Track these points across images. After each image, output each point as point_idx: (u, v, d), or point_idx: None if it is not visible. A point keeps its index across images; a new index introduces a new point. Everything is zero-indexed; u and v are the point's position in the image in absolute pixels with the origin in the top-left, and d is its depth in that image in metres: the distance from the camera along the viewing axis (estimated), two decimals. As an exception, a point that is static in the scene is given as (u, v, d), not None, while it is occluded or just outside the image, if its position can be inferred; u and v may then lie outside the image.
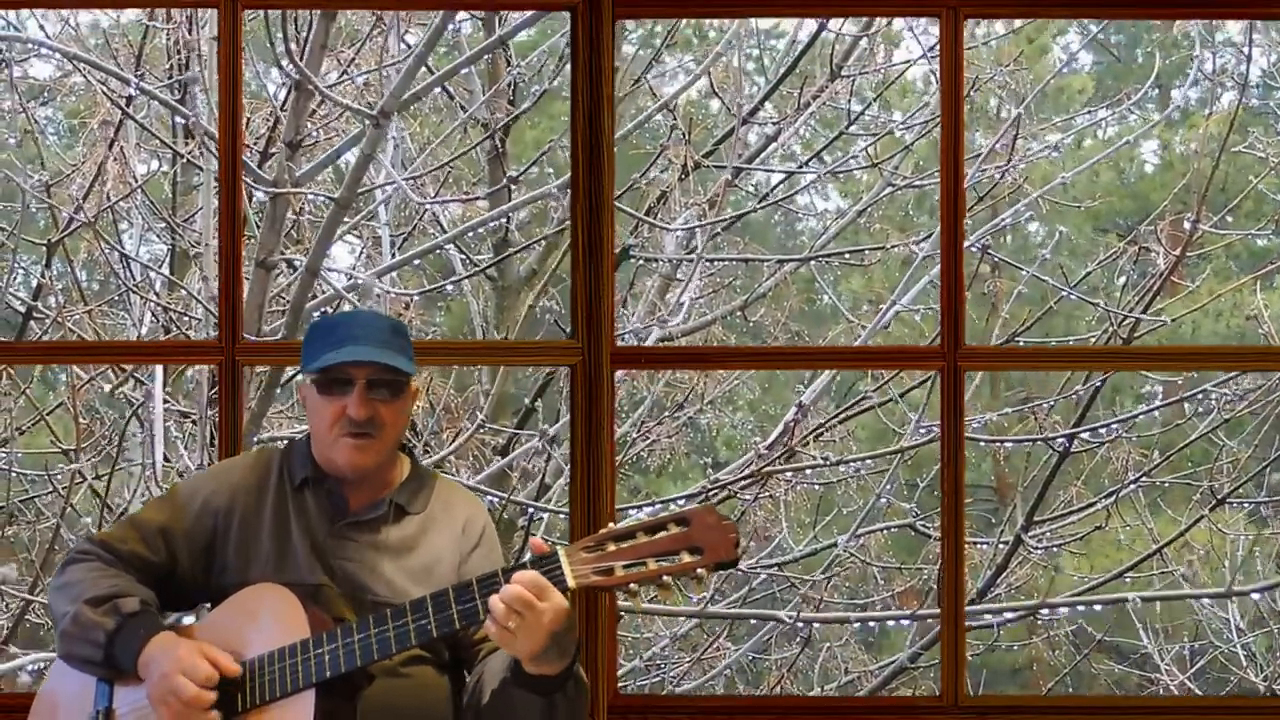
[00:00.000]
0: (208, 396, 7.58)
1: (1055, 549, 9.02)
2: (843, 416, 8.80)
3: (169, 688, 2.99)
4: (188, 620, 3.24)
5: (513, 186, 8.81)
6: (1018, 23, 10.34)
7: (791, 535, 8.88)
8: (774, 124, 8.97)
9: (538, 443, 8.40)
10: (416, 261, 9.13)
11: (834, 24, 8.75)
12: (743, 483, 8.66)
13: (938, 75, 4.75)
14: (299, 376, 3.27)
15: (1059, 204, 10.60)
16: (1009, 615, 8.61)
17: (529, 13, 7.46)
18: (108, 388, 8.28)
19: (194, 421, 7.94)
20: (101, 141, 8.34)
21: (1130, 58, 13.74)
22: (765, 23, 10.07)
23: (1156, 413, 10.02)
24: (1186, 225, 8.98)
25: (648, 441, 9.06)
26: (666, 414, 9.12)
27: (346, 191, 7.37)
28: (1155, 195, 12.04)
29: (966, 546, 5.23)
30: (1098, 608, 8.79)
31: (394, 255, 8.55)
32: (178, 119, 8.50)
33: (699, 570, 2.85)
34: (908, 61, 9.84)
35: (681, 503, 7.69)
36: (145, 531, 3.20)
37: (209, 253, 7.44)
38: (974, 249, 8.87)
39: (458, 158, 9.13)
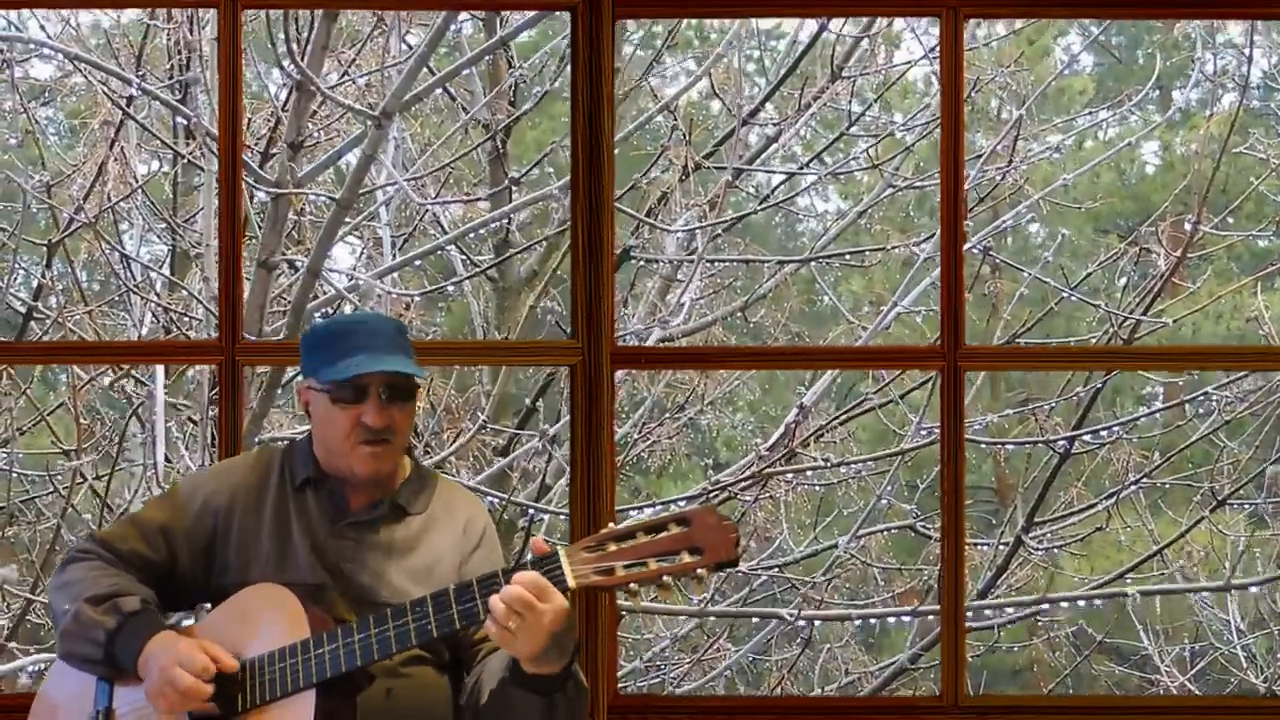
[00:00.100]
0: (208, 397, 7.58)
1: (1056, 550, 9.02)
2: (843, 418, 8.81)
3: (166, 679, 3.00)
4: (188, 623, 3.24)
5: (514, 187, 8.82)
6: (1018, 24, 10.33)
7: (792, 536, 8.88)
8: (774, 125, 8.97)
9: (538, 443, 8.40)
10: (417, 262, 9.14)
11: (834, 25, 8.76)
12: (743, 484, 8.66)
13: (938, 76, 4.74)
14: (299, 379, 3.26)
15: (1060, 205, 10.59)
16: (1010, 612, 8.61)
17: (530, 13, 7.46)
18: (107, 380, 8.29)
19: (194, 421, 7.94)
20: (102, 142, 8.35)
21: (1131, 59, 13.72)
22: (766, 23, 10.07)
23: (1157, 414, 10.01)
24: (1187, 226, 8.98)
25: (648, 442, 9.06)
26: (667, 415, 9.12)
27: (348, 192, 7.38)
28: (1156, 196, 12.03)
29: (967, 547, 5.22)
30: (1098, 603, 8.79)
31: (395, 256, 8.55)
32: (178, 119, 8.51)
33: (699, 570, 2.85)
34: (908, 62, 9.85)
35: (682, 503, 7.70)
36: (146, 530, 3.19)
37: (209, 253, 7.45)
38: (975, 250, 8.87)
39: (459, 158, 9.13)
